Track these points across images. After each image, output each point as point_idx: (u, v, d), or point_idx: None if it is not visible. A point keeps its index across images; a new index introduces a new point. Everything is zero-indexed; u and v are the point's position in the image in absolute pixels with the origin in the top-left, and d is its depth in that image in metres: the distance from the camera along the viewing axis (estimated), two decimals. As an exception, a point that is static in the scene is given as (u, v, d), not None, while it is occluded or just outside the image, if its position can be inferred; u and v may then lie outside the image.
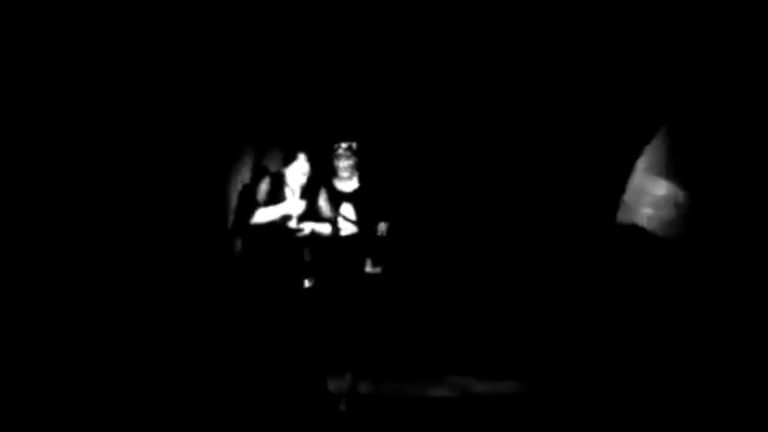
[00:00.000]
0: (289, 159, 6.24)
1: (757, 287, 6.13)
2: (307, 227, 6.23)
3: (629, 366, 6.22)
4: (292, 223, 6.20)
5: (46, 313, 6.11)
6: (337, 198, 6.48)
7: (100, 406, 5.66)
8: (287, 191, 6.27)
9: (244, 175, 6.66)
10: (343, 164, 6.49)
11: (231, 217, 6.50)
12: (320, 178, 6.35)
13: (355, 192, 6.57)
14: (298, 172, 6.23)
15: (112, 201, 6.38)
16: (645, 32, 6.49)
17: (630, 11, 6.49)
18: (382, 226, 6.55)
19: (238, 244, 6.35)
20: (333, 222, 6.35)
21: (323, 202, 6.33)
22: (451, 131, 7.09)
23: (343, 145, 6.45)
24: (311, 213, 6.27)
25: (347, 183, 6.57)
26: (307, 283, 6.20)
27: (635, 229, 6.50)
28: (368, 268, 6.48)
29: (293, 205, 6.22)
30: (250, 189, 6.32)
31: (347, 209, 6.49)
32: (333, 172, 6.54)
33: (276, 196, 6.25)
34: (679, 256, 6.36)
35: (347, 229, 6.49)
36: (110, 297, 6.32)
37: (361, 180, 6.60)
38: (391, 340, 6.77)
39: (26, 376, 5.81)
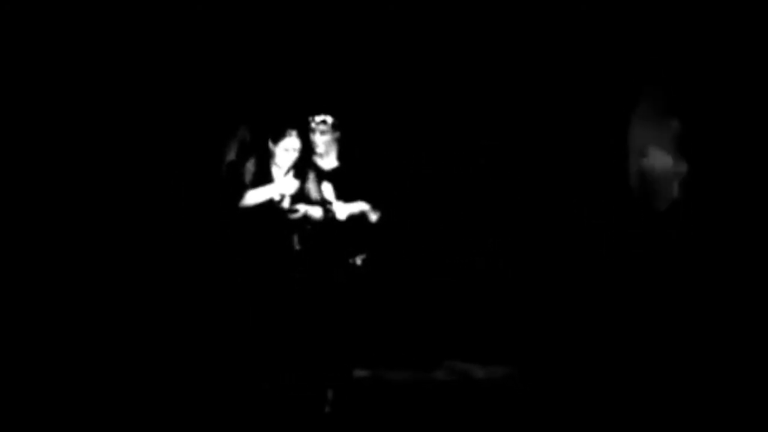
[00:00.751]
0: (279, 135, 5.93)
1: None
2: (301, 209, 5.93)
3: (623, 354, 6.28)
4: (285, 203, 5.92)
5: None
6: (317, 177, 6.11)
7: (99, 405, 5.53)
8: (275, 170, 5.99)
9: (231, 154, 6.28)
10: (319, 139, 6.07)
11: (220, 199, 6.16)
12: (309, 157, 6.10)
13: (335, 171, 6.17)
14: (288, 149, 5.92)
15: (98, 185, 6.27)
16: (644, 32, 6.51)
17: (629, 12, 6.51)
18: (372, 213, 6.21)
19: (228, 229, 6.02)
20: (322, 205, 6.02)
21: (312, 184, 6.04)
22: (450, 131, 6.97)
23: (318, 118, 6.06)
24: (300, 194, 5.98)
25: (325, 160, 6.15)
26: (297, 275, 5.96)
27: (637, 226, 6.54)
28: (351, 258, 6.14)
29: (287, 184, 5.93)
30: (237, 168, 6.02)
31: (326, 189, 6.07)
32: (311, 149, 6.12)
33: (262, 175, 5.97)
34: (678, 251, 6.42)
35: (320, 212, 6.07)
36: (97, 289, 6.20)
37: (340, 158, 6.20)
38: (388, 326, 6.62)
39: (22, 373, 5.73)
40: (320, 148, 6.11)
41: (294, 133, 5.99)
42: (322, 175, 6.11)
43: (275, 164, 6.01)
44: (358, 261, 6.07)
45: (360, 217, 6.10)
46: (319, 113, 6.11)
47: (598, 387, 6.00)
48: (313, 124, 6.07)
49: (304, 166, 6.05)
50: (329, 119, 6.08)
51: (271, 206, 5.93)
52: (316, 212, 6.01)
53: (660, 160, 6.58)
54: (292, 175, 5.99)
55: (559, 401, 5.88)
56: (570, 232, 6.71)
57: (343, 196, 6.08)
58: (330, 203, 6.02)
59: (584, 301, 6.56)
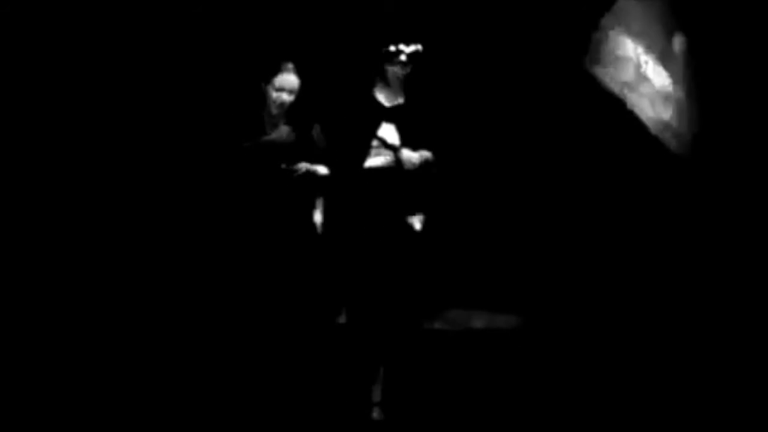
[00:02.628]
0: (272, 71, 4.90)
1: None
2: (302, 167, 4.95)
3: (630, 309, 6.07)
4: (282, 161, 4.94)
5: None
6: (373, 114, 5.15)
7: (97, 405, 5.04)
8: (266, 118, 4.98)
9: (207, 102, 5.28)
10: (401, 74, 5.11)
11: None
12: (313, 97, 5.07)
13: (398, 109, 5.22)
14: (283, 89, 4.90)
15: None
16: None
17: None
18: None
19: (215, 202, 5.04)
20: (326, 159, 5.06)
21: (317, 131, 5.05)
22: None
23: (407, 49, 5.06)
24: (301, 146, 5.00)
25: (392, 96, 5.20)
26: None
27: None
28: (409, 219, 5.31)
29: (282, 135, 4.95)
30: (218, 119, 5.01)
31: (388, 131, 5.15)
32: (377, 79, 5.18)
33: (252, 125, 4.96)
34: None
35: (381, 158, 5.14)
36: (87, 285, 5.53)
37: (408, 94, 5.22)
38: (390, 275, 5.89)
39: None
40: (395, 84, 5.18)
41: (291, 67, 4.95)
42: (383, 115, 5.18)
43: (267, 110, 4.98)
44: (417, 224, 5.25)
45: (423, 168, 5.24)
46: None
47: (608, 337, 5.80)
48: (403, 56, 5.09)
49: (304, 109, 5.03)
50: (420, 48, 5.12)
51: (264, 165, 4.94)
52: (320, 169, 5.03)
53: (657, 77, 6.24)
54: (283, 121, 5.00)
55: (566, 355, 5.71)
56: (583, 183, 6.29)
57: (407, 141, 5.22)
58: (398, 148, 5.12)
59: (597, 250, 6.23)
